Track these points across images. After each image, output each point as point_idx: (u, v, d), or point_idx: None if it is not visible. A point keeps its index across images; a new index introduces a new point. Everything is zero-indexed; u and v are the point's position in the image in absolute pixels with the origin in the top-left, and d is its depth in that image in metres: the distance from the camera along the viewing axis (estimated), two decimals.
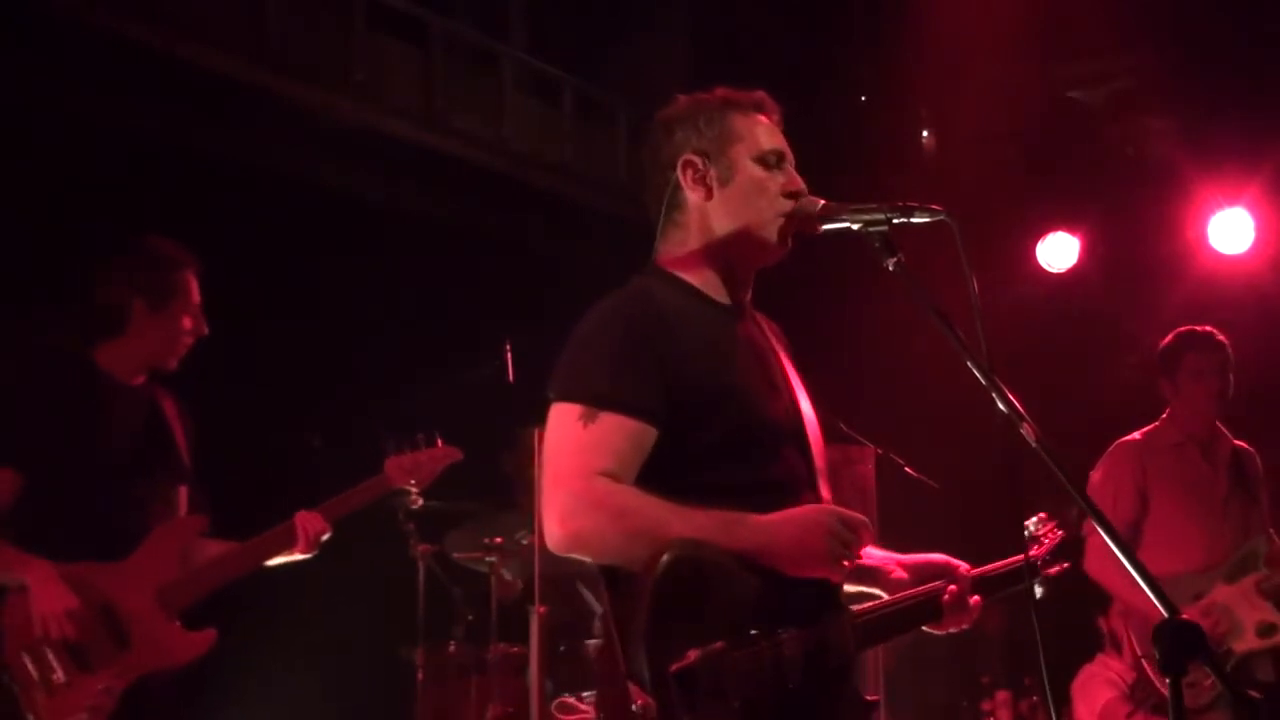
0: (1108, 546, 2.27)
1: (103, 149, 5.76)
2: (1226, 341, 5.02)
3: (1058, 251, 7.37)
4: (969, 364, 2.40)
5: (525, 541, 5.15)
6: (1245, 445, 5.09)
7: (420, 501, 4.57)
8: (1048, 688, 2.40)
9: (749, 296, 2.71)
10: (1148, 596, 2.16)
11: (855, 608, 2.60)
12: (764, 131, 2.67)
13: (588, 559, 2.46)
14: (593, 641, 5.26)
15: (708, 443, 2.47)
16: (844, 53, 8.16)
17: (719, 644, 2.27)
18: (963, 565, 2.76)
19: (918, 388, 6.59)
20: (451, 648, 5.44)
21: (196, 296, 4.01)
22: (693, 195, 2.64)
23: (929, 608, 2.70)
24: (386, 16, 7.44)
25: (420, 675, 5.33)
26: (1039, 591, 2.80)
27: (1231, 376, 4.99)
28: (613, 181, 8.60)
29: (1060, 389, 6.60)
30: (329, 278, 6.47)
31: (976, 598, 2.73)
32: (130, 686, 3.71)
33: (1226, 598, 4.73)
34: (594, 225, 8.24)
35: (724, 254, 2.64)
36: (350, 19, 7.21)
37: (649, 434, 2.43)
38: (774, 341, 2.76)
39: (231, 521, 4.06)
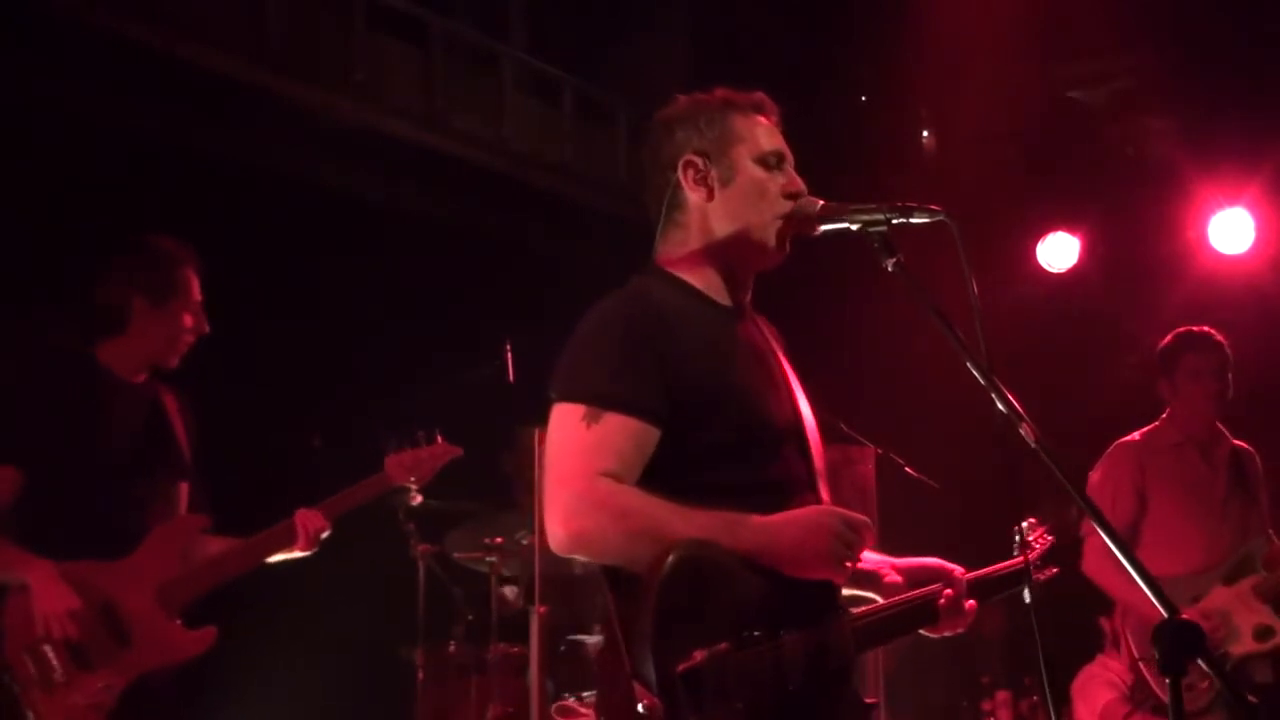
0: (1106, 547, 2.27)
1: (103, 149, 5.76)
2: (1225, 342, 5.01)
3: (1058, 251, 7.37)
4: (969, 364, 2.40)
5: (525, 541, 5.15)
6: (1245, 445, 5.08)
7: (420, 499, 4.56)
8: (1047, 688, 2.40)
9: (749, 298, 2.71)
10: (1146, 597, 2.16)
11: (852, 611, 2.60)
12: (764, 133, 2.68)
13: (590, 559, 2.46)
14: (593, 641, 5.26)
15: (708, 443, 2.47)
16: (844, 53, 8.14)
17: (724, 644, 2.27)
18: (958, 569, 2.76)
19: (918, 388, 6.59)
20: (451, 648, 5.44)
21: (197, 294, 4.01)
22: (694, 196, 2.64)
23: (925, 611, 2.71)
24: (386, 16, 7.44)
25: (420, 675, 5.33)
26: (1027, 596, 2.80)
27: (1231, 377, 4.98)
28: (613, 181, 8.61)
29: (1060, 389, 6.59)
30: (329, 278, 6.47)
31: (972, 601, 2.74)
32: (130, 685, 3.71)
33: (1224, 601, 4.72)
34: (594, 225, 8.24)
35: (724, 255, 2.64)
36: (350, 19, 7.21)
37: (651, 434, 2.43)
38: (773, 343, 2.76)
39: (232, 520, 4.06)
